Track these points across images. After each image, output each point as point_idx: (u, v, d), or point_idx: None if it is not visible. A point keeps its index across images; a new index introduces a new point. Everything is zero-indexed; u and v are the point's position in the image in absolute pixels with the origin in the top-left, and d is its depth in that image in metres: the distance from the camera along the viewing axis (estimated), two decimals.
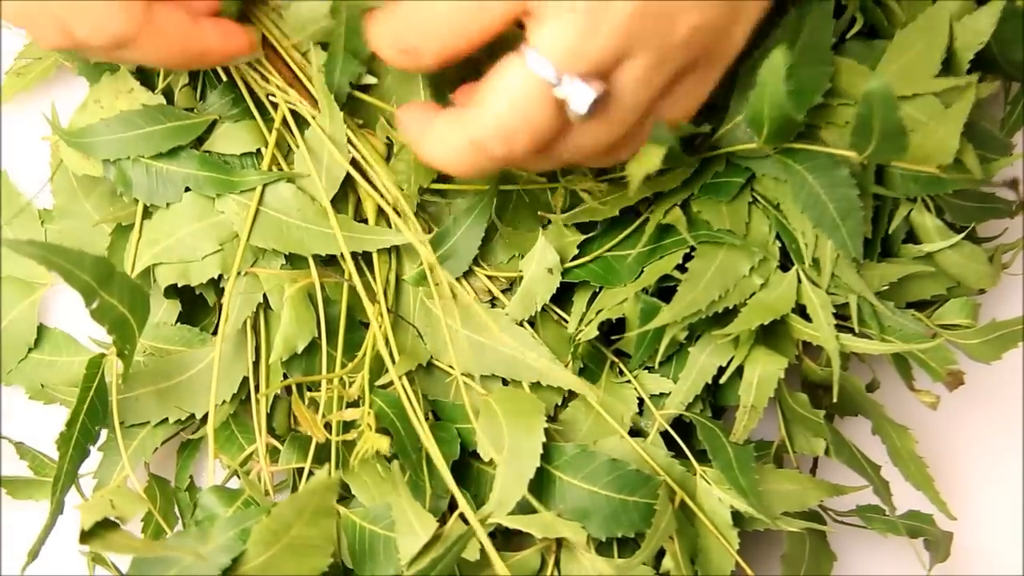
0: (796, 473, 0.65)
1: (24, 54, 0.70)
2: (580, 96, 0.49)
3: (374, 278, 0.63)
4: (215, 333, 0.66)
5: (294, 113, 0.63)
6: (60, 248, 0.49)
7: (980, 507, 0.75)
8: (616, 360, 0.65)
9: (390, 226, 0.63)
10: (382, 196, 0.62)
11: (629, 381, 0.64)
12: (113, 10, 0.51)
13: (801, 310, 0.62)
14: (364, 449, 0.58)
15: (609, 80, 0.50)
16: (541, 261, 0.63)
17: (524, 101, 0.50)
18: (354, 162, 0.63)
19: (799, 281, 0.61)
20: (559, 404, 0.64)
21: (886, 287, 0.62)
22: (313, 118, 0.62)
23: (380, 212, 0.63)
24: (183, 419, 0.65)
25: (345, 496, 0.61)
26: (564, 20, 0.48)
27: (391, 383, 0.62)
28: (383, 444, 0.58)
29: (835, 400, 0.62)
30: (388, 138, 0.63)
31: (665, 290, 0.62)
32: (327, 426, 0.61)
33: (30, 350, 0.68)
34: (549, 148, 0.52)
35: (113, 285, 0.52)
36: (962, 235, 0.62)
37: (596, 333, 0.62)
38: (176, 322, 0.66)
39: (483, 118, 0.51)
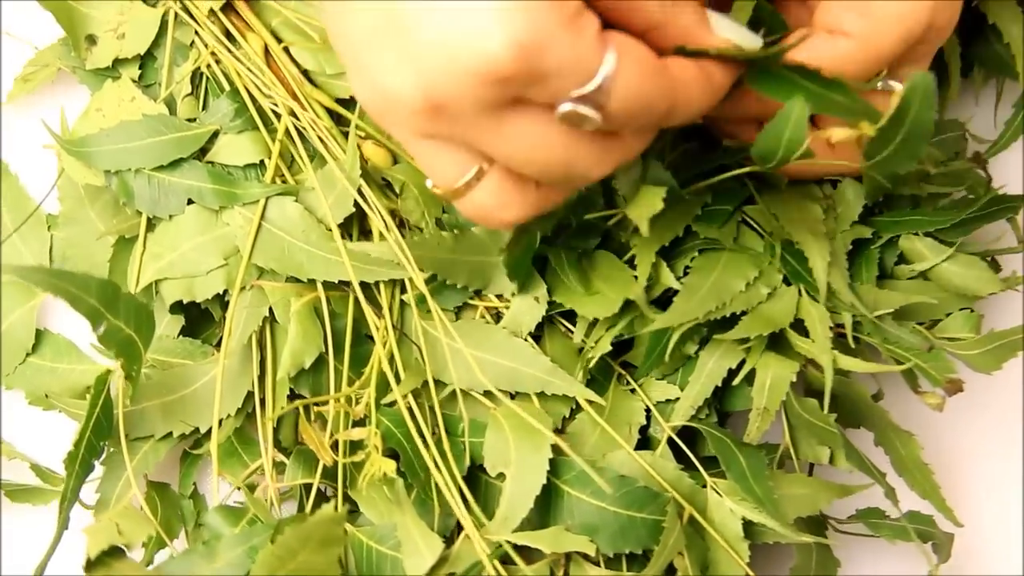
0: (804, 476, 0.65)
1: (34, 62, 0.69)
2: None
3: (379, 293, 0.62)
4: (218, 345, 0.66)
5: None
6: (66, 273, 0.49)
7: (982, 510, 0.76)
8: (623, 372, 0.65)
9: None
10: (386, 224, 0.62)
11: (635, 391, 0.64)
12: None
13: (801, 323, 0.62)
14: (371, 472, 0.58)
15: None
16: (528, 289, 0.63)
17: None
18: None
19: (800, 295, 0.62)
20: (566, 417, 0.63)
21: (889, 311, 0.62)
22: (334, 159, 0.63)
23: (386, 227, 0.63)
24: (188, 433, 0.64)
25: (353, 511, 0.61)
26: None
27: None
28: (390, 467, 0.58)
29: (826, 411, 0.62)
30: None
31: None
32: (334, 445, 0.60)
33: (28, 355, 0.68)
34: None
35: (119, 307, 0.52)
36: (954, 248, 0.63)
37: (609, 348, 0.62)
38: (180, 335, 0.66)
39: None
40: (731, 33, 0.51)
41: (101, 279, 0.50)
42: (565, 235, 0.62)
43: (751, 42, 0.51)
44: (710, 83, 0.50)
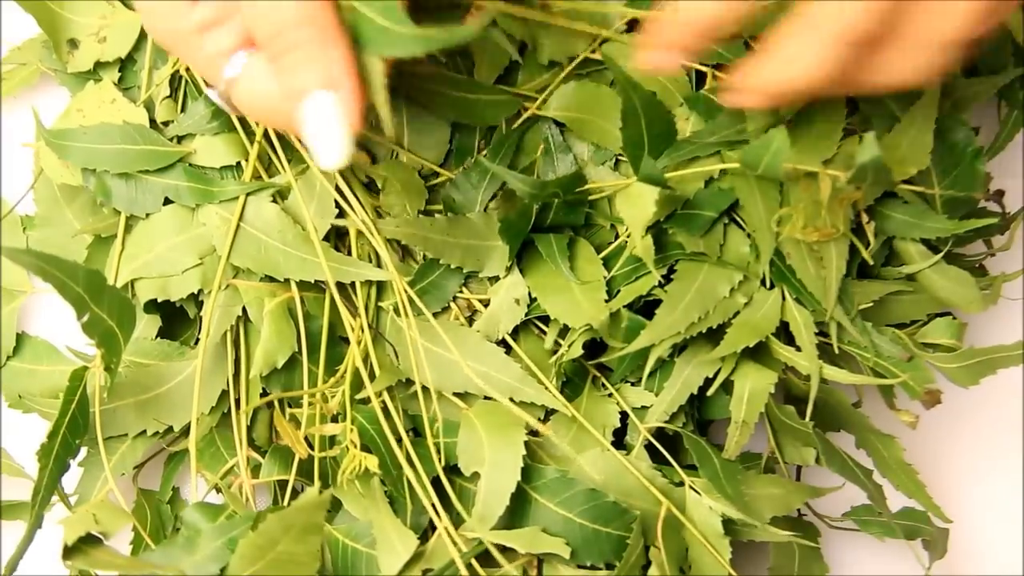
0: (778, 478, 0.67)
1: (8, 59, 0.72)
2: None
3: (355, 294, 0.64)
4: (194, 345, 0.68)
5: None
6: (55, 259, 0.51)
7: (979, 506, 0.78)
8: (598, 375, 0.67)
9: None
10: (368, 228, 0.64)
11: (611, 395, 0.66)
12: None
13: (783, 327, 0.64)
14: (352, 466, 0.59)
15: None
16: (510, 290, 0.65)
17: None
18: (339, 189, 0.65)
19: (783, 299, 0.63)
20: (541, 418, 0.65)
21: (869, 305, 0.64)
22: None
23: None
24: (162, 431, 0.66)
25: (329, 509, 0.62)
26: None
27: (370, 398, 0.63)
28: (372, 462, 0.59)
29: (809, 419, 0.64)
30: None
31: (651, 303, 0.64)
32: (309, 442, 0.62)
33: (9, 358, 0.70)
34: None
35: (103, 298, 0.55)
36: (940, 255, 0.65)
37: (581, 352, 0.64)
38: (156, 336, 0.68)
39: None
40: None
41: (88, 268, 0.53)
42: (553, 209, 0.64)
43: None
44: None
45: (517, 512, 0.61)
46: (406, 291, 0.64)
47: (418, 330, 0.64)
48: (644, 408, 0.66)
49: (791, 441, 0.69)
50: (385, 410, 0.63)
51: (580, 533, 0.61)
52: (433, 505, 0.61)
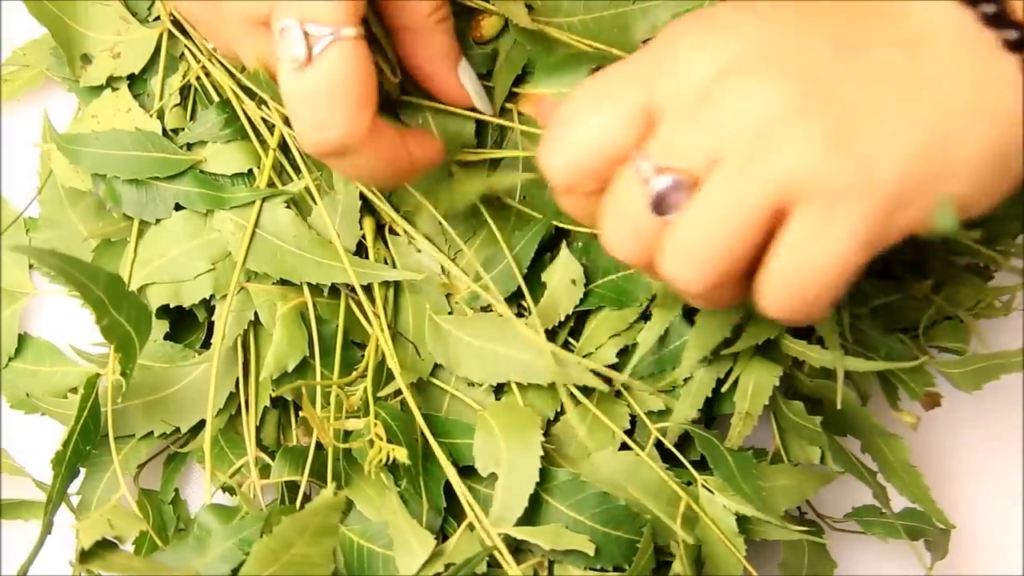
0: (789, 467, 0.68)
1: (11, 60, 0.72)
2: None
3: (372, 299, 0.65)
4: (202, 347, 0.69)
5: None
6: (78, 261, 0.52)
7: (981, 507, 0.79)
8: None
9: (386, 244, 0.66)
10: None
11: (620, 394, 0.66)
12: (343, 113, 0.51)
13: None
14: (380, 457, 0.59)
15: None
16: (564, 272, 0.65)
17: None
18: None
19: None
20: (551, 419, 0.65)
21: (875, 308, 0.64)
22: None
23: (378, 229, 0.66)
24: (168, 433, 0.67)
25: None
26: None
27: (387, 397, 0.64)
28: (401, 453, 0.59)
29: (838, 405, 0.63)
30: None
31: None
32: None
33: (11, 359, 0.70)
34: None
35: (123, 303, 0.54)
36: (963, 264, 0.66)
37: (615, 360, 0.64)
38: (163, 338, 0.68)
39: None
40: (470, 84, 0.60)
41: (109, 272, 0.53)
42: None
43: (485, 104, 0.61)
44: (397, 156, 0.56)
45: (530, 514, 0.61)
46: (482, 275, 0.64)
47: (456, 324, 0.64)
48: (658, 413, 0.65)
49: (796, 439, 0.69)
50: (405, 407, 0.63)
51: (591, 536, 0.61)
52: (450, 506, 0.61)
